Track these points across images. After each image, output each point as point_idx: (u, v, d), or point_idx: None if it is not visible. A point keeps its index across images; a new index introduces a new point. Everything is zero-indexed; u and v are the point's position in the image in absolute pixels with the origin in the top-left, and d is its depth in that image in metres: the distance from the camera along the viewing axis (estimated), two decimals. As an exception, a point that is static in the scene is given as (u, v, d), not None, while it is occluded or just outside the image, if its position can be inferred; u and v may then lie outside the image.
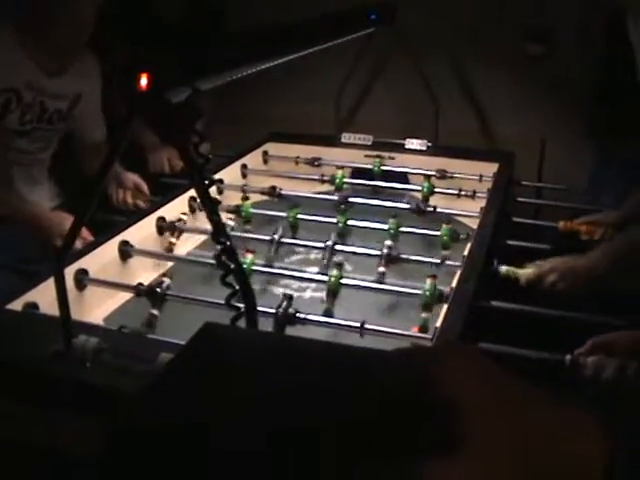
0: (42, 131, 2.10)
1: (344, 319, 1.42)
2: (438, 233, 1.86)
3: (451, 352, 0.48)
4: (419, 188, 2.21)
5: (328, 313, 1.55)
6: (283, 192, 2.23)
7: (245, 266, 1.61)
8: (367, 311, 1.58)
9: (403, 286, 1.63)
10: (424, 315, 1.50)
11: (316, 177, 2.39)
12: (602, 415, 0.46)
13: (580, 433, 0.44)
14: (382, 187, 2.33)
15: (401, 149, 2.52)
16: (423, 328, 1.46)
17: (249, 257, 1.68)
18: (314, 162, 2.48)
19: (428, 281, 1.52)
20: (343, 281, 1.58)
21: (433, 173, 2.31)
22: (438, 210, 2.06)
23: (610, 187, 2.34)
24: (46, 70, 2.01)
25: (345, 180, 2.33)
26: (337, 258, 1.77)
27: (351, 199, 2.14)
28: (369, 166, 2.43)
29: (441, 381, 0.45)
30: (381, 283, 1.68)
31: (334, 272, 1.58)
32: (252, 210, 2.05)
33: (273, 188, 2.24)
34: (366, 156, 2.49)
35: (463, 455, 0.42)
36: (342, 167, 2.39)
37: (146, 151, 2.56)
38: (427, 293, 1.50)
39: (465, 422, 0.43)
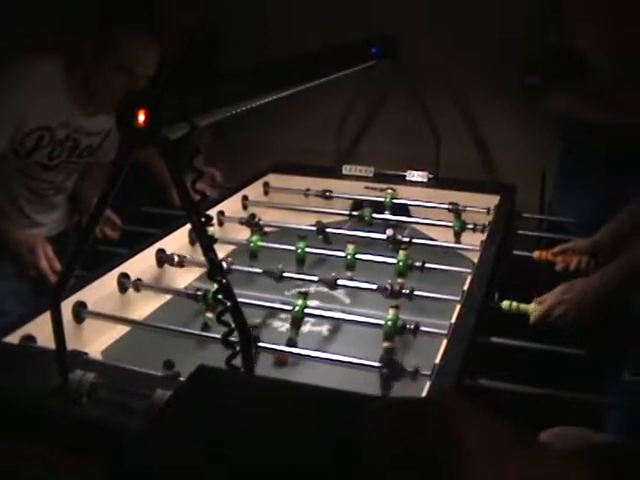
0: (71, 164, 2.14)
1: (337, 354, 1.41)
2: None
3: (445, 406, 0.47)
4: (451, 224, 2.18)
5: (291, 343, 1.54)
6: (280, 224, 2.24)
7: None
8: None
9: (367, 316, 1.60)
10: (386, 345, 1.48)
11: (319, 209, 2.38)
12: (595, 470, 0.45)
13: None
14: (401, 221, 2.29)
15: (402, 181, 2.53)
16: (386, 358, 1.43)
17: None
18: (317, 194, 2.48)
19: (391, 311, 1.52)
20: (307, 310, 1.59)
21: (436, 205, 2.31)
22: (414, 241, 2.01)
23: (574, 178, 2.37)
24: (85, 111, 2.05)
25: (374, 216, 2.28)
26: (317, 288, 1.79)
27: (328, 230, 2.13)
28: (381, 199, 2.40)
29: (434, 437, 0.44)
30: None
31: (299, 302, 1.58)
32: (260, 244, 2.04)
33: (252, 216, 2.24)
34: (366, 187, 2.49)
35: None
36: (372, 203, 2.36)
37: (169, 187, 2.36)
38: (389, 323, 1.49)
39: (459, 475, 0.42)
